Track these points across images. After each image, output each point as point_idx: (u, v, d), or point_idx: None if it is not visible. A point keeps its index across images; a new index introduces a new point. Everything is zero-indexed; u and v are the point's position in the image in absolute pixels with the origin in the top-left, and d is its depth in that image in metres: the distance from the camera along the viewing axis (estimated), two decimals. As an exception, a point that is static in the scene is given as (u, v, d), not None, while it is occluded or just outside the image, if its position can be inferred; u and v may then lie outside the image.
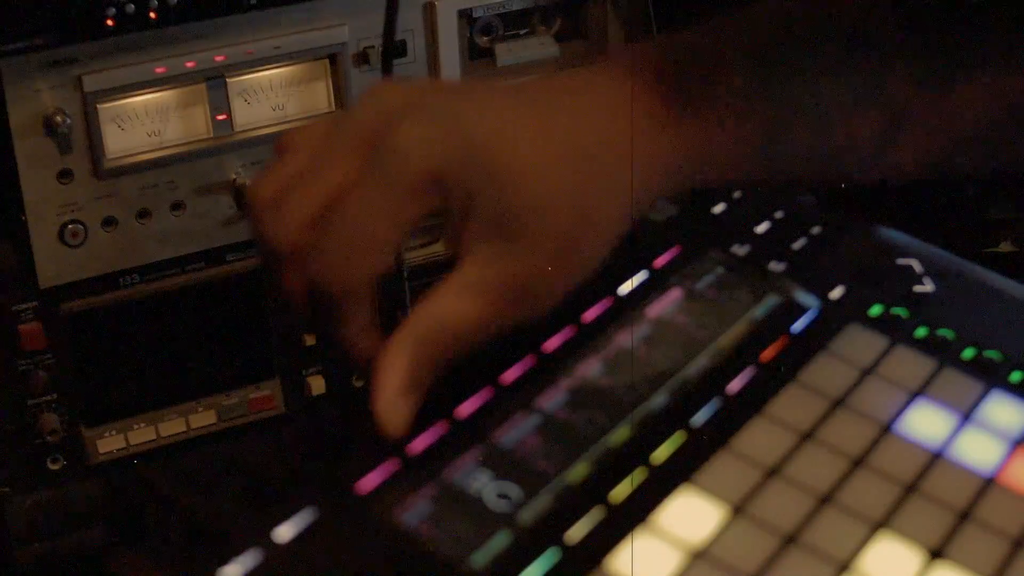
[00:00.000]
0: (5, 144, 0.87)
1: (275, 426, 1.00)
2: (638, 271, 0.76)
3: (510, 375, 0.68)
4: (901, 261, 0.79)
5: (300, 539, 0.59)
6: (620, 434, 0.66)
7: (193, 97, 0.92)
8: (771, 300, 0.75)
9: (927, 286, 0.77)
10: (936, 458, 0.67)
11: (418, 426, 0.65)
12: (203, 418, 0.98)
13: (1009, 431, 0.69)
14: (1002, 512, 0.65)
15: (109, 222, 0.92)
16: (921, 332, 0.74)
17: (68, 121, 0.88)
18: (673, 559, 0.61)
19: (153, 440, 0.97)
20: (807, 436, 0.67)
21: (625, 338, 0.72)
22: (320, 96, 0.96)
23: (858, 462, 0.66)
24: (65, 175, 0.90)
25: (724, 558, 0.61)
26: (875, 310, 0.75)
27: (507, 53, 1.01)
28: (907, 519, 0.64)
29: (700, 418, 0.68)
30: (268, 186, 0.66)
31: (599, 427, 0.66)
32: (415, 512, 0.61)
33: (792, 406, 0.69)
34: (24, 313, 0.92)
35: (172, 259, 0.95)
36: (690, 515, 0.63)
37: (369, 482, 0.62)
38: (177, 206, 0.93)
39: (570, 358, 0.70)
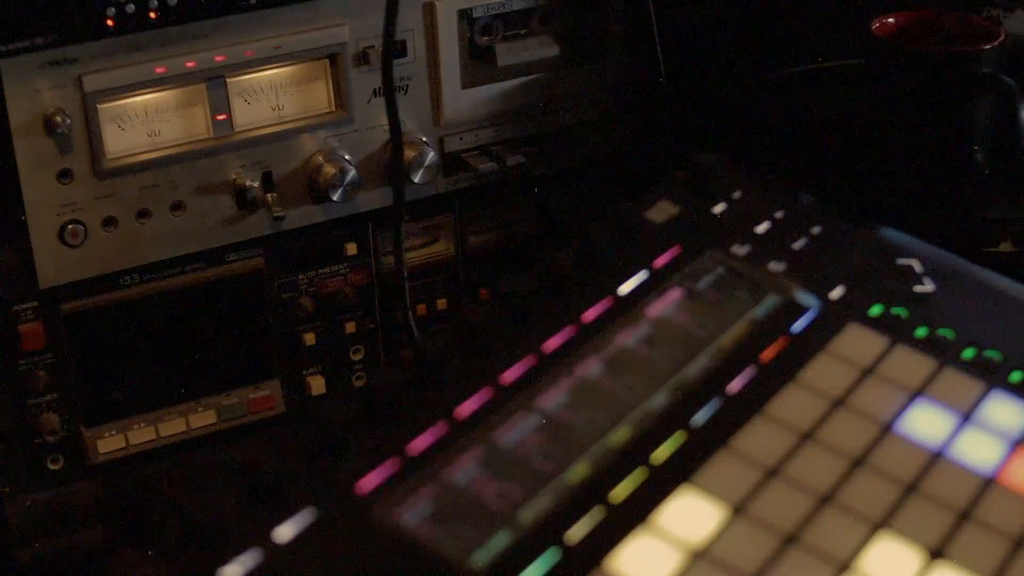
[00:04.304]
0: (5, 144, 0.87)
1: (275, 426, 1.00)
2: (638, 271, 0.76)
3: (510, 375, 0.68)
4: (901, 261, 0.79)
5: (300, 539, 0.59)
6: (620, 434, 0.66)
7: (193, 97, 0.92)
8: (771, 300, 0.75)
9: (927, 286, 0.77)
10: (936, 458, 0.67)
11: (418, 426, 0.65)
12: (203, 418, 0.98)
13: (1009, 431, 0.69)
14: (1002, 512, 0.65)
15: (109, 222, 0.92)
16: (921, 332, 0.74)
17: (68, 121, 0.88)
18: (673, 559, 0.61)
19: (153, 440, 0.97)
20: (807, 436, 0.68)
21: (625, 338, 0.72)
22: (320, 96, 0.96)
23: (858, 462, 0.66)
24: (65, 175, 0.90)
25: (724, 558, 0.61)
26: (875, 310, 0.75)
27: (507, 53, 1.01)
28: (907, 519, 0.64)
29: (700, 418, 0.68)
30: None
31: (599, 427, 0.66)
32: (415, 512, 0.61)
33: (792, 406, 0.69)
34: (24, 313, 0.92)
35: (172, 259, 0.95)
36: (690, 515, 0.63)
37: (369, 482, 0.62)
38: (177, 206, 0.93)
39: (570, 358, 0.70)
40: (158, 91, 0.91)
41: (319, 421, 0.64)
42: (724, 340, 0.72)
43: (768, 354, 0.72)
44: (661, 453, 0.66)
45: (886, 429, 0.68)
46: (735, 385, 0.70)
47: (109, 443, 0.96)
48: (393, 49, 0.92)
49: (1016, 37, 1.06)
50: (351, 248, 1.00)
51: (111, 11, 0.87)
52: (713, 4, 1.11)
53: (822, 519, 0.63)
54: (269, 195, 0.95)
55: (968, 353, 0.73)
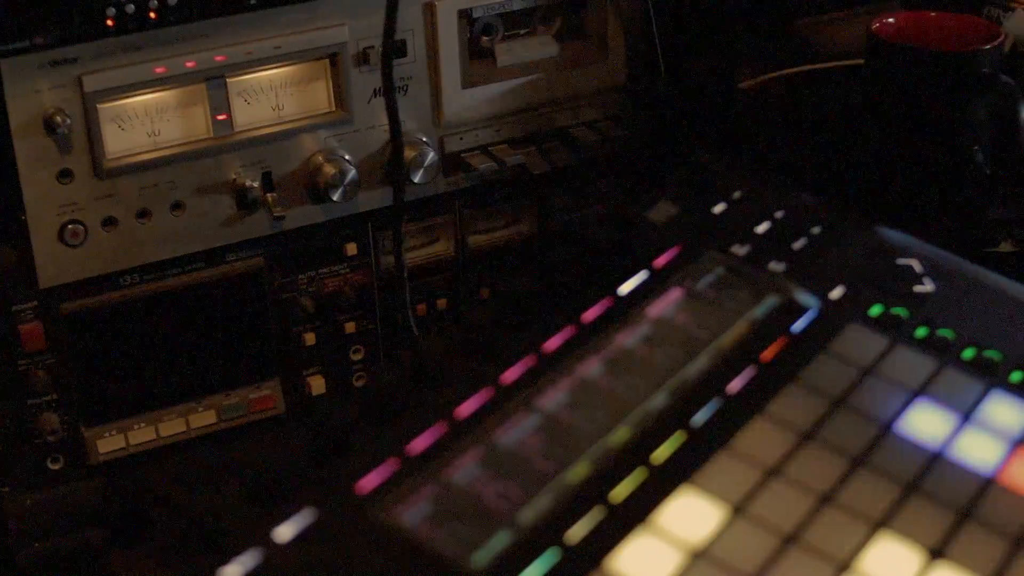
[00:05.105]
0: (5, 144, 0.87)
1: (275, 426, 1.00)
2: (638, 271, 0.76)
3: (510, 375, 0.68)
4: (901, 261, 0.79)
5: (300, 539, 0.59)
6: (620, 434, 0.66)
7: (193, 97, 0.92)
8: (771, 300, 0.75)
9: (927, 286, 0.77)
10: (936, 458, 0.67)
11: (418, 426, 0.65)
12: (203, 418, 0.98)
13: (1009, 431, 0.69)
14: (1002, 512, 0.65)
15: (109, 222, 0.92)
16: (921, 332, 0.74)
17: (68, 121, 0.88)
18: (673, 559, 0.61)
19: (153, 440, 0.97)
20: (807, 436, 0.68)
21: (625, 338, 0.72)
22: (320, 96, 0.96)
23: (858, 462, 0.66)
24: (65, 175, 0.90)
25: (724, 558, 0.61)
26: (875, 310, 0.75)
27: (507, 53, 1.01)
28: (907, 519, 0.64)
29: (700, 418, 0.68)
30: None
31: (599, 427, 0.66)
32: (415, 512, 0.61)
33: (792, 406, 0.69)
34: (24, 313, 0.92)
35: (172, 259, 0.95)
36: (690, 515, 0.63)
37: (369, 482, 0.62)
38: (177, 206, 0.93)
39: (570, 358, 0.70)
40: (158, 91, 0.91)
41: (319, 421, 0.64)
42: (724, 340, 0.72)
43: (768, 354, 0.72)
44: (661, 453, 0.66)
45: (886, 429, 0.68)
46: (735, 385, 0.70)
47: (109, 443, 0.96)
48: (393, 49, 0.92)
49: (1016, 37, 1.06)
50: (351, 248, 1.00)
51: (111, 11, 0.87)
52: (713, 4, 1.11)
53: (822, 519, 0.63)
54: (269, 195, 0.95)
55: (968, 353, 0.73)
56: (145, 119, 0.91)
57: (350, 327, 1.02)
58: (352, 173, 0.96)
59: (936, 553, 0.62)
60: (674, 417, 0.67)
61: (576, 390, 0.68)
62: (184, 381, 0.98)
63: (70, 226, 0.90)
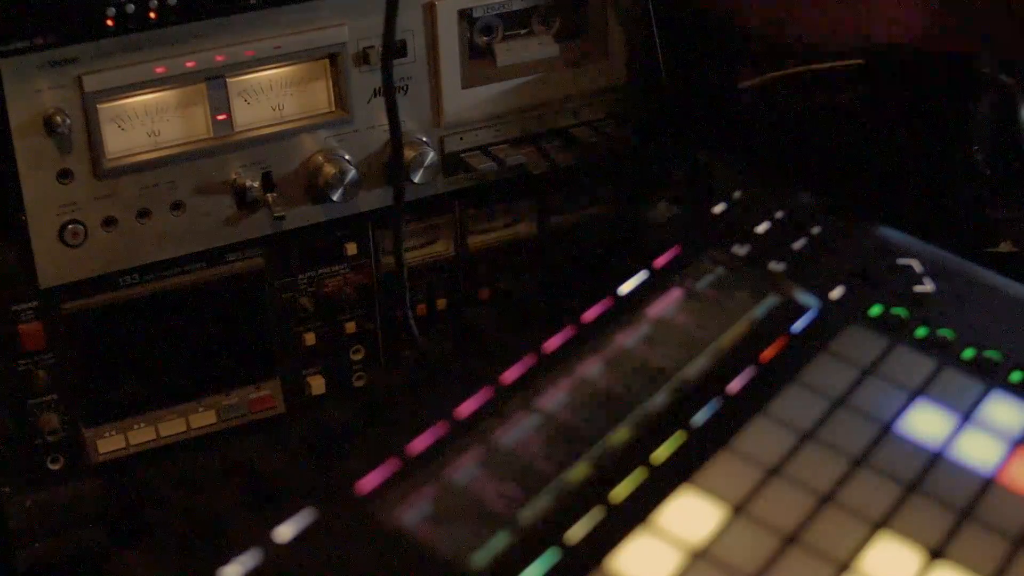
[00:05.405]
0: (5, 144, 0.87)
1: (275, 426, 1.00)
2: (638, 271, 0.76)
3: (510, 375, 0.68)
4: (901, 261, 0.79)
5: (300, 539, 0.59)
6: (620, 434, 0.66)
7: (193, 97, 0.92)
8: (771, 300, 0.75)
9: (927, 286, 0.77)
10: (936, 458, 0.67)
11: (418, 426, 0.65)
12: (203, 418, 0.98)
13: (1009, 431, 0.69)
14: (1002, 512, 0.65)
15: (109, 222, 0.92)
16: (921, 332, 0.74)
17: (68, 121, 0.88)
18: (673, 559, 0.61)
19: (153, 440, 0.97)
20: (807, 436, 0.68)
21: (625, 338, 0.72)
22: (320, 96, 0.96)
23: (858, 462, 0.66)
24: (65, 175, 0.90)
25: (724, 558, 0.61)
26: (875, 310, 0.75)
27: (507, 53, 1.01)
28: (907, 519, 0.64)
29: (700, 418, 0.68)
30: None
31: (599, 427, 0.66)
32: (415, 512, 0.61)
33: (792, 406, 0.69)
34: (24, 313, 0.92)
35: (172, 259, 0.95)
36: (690, 515, 0.63)
37: (369, 482, 0.62)
38: (177, 206, 0.93)
39: (570, 358, 0.70)
40: (158, 91, 0.91)
41: (319, 421, 0.64)
42: (724, 340, 0.72)
43: (768, 354, 0.72)
44: (661, 453, 0.66)
45: (886, 429, 0.68)
46: (735, 385, 0.70)
47: (109, 443, 0.96)
48: (393, 49, 0.92)
49: (1016, 37, 1.05)
50: (351, 248, 1.00)
51: (111, 11, 0.87)
52: (714, 3, 1.11)
53: (822, 519, 0.63)
54: (269, 195, 0.95)
55: (968, 353, 0.73)
56: (145, 119, 0.91)
57: (350, 327, 1.02)
58: (352, 173, 0.96)
59: (936, 553, 0.62)
60: (674, 417, 0.67)
61: (576, 390, 0.68)
62: (184, 381, 0.98)
63: (70, 226, 0.90)
